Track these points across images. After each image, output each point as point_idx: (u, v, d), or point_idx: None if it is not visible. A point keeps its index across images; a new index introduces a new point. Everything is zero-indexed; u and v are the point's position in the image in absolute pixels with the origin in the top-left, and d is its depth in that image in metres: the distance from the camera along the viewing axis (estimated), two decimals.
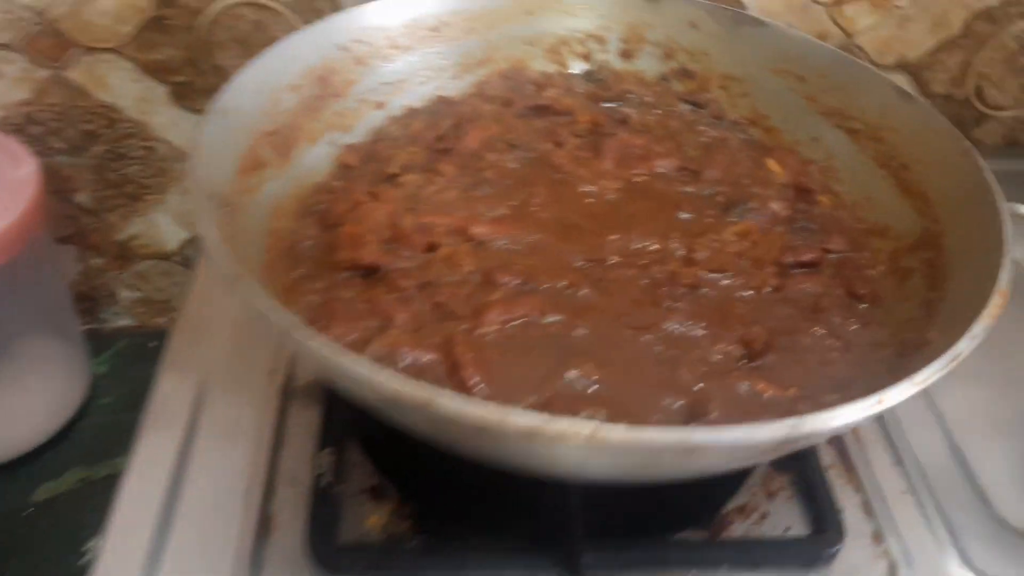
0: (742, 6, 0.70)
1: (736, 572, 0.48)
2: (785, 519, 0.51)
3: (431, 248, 0.50)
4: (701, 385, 0.43)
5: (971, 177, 0.47)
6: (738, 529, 0.50)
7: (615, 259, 0.50)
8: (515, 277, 0.48)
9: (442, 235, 0.51)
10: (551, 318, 0.46)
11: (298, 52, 0.54)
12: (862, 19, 0.72)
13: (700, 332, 0.46)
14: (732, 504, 0.51)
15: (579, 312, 0.47)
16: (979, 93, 0.78)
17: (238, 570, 0.46)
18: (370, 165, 0.56)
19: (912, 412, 0.57)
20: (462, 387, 0.43)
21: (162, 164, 0.79)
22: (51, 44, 0.70)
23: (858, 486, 0.53)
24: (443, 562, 0.47)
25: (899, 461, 0.54)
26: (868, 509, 0.52)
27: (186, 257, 0.86)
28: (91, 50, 0.71)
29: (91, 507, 0.75)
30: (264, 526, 0.49)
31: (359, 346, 0.44)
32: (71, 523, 0.74)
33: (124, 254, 0.86)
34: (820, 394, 0.44)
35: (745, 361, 0.45)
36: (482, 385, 0.43)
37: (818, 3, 0.71)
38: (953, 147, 0.49)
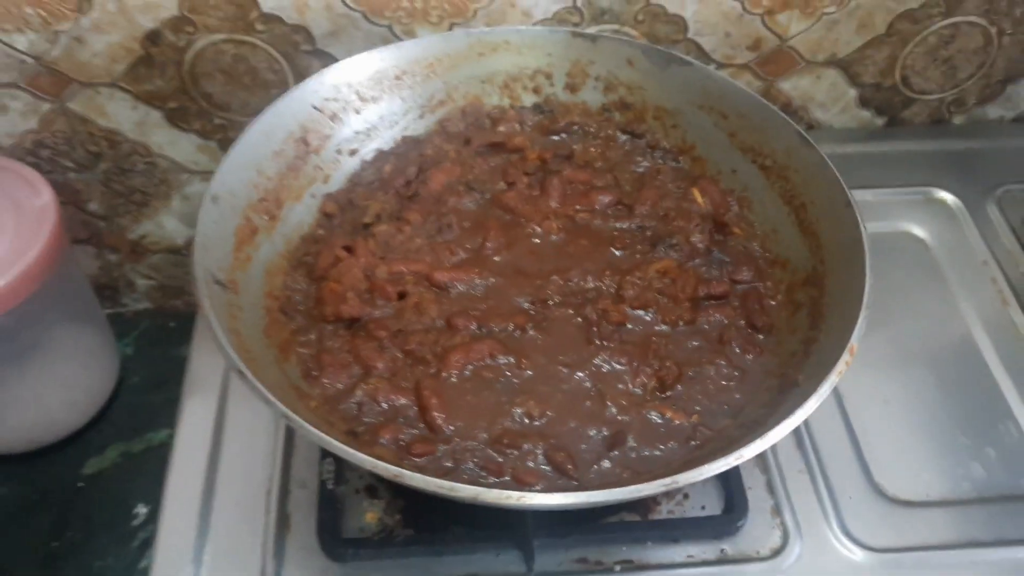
0: (684, 20, 0.76)
1: (660, 545, 0.60)
2: (702, 499, 0.63)
3: (402, 296, 0.60)
4: (622, 416, 0.54)
5: (850, 230, 0.55)
6: (664, 510, 0.62)
7: (556, 299, 0.60)
8: (472, 322, 0.58)
9: (410, 283, 0.60)
10: (502, 359, 0.57)
11: (278, 120, 0.62)
12: (794, 24, 0.78)
13: (623, 367, 0.56)
14: None
15: (524, 352, 0.57)
16: (905, 81, 0.85)
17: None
18: (348, 213, 0.65)
19: None
20: (431, 425, 0.54)
21: (163, 176, 0.87)
22: (51, 82, 0.77)
23: (764, 467, 0.65)
24: (427, 549, 0.60)
25: (800, 444, 0.66)
26: (771, 488, 0.64)
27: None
28: (89, 85, 0.78)
29: (134, 478, 0.87)
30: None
31: (346, 393, 0.55)
32: (119, 492, 0.86)
33: (137, 250, 0.95)
34: (717, 419, 0.55)
35: (658, 393, 0.56)
36: (446, 424, 0.54)
37: (751, 13, 0.77)
38: (839, 198, 0.57)
